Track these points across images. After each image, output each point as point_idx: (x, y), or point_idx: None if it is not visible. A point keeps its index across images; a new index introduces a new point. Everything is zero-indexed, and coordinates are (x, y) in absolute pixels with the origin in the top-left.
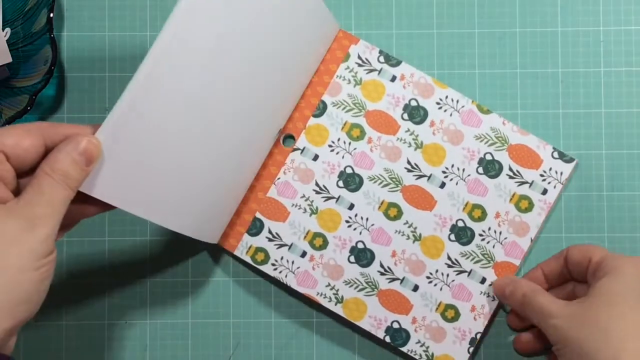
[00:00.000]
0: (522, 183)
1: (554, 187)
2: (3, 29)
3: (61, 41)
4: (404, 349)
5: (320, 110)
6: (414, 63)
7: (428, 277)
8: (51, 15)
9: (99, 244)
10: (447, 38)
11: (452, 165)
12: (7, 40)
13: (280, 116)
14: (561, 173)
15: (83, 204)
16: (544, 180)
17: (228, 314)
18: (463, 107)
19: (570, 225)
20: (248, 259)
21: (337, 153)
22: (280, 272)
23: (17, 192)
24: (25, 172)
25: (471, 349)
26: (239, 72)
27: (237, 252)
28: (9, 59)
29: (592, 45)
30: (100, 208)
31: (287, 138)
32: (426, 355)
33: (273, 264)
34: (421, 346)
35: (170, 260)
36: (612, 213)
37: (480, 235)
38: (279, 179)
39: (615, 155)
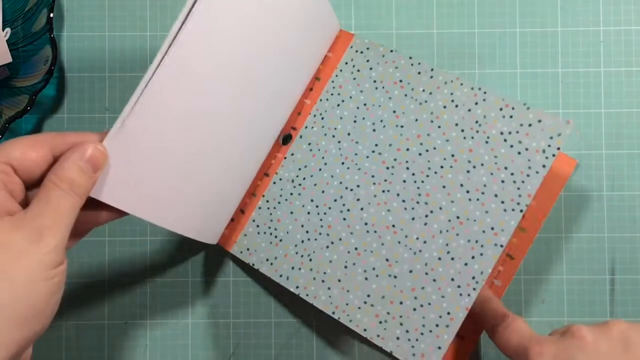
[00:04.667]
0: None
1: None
2: (3, 29)
3: (61, 41)
4: None
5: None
6: None
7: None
8: (51, 15)
9: (99, 244)
10: (447, 38)
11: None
12: (7, 40)
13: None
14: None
15: (94, 211)
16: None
17: (228, 314)
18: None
19: (570, 226)
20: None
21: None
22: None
23: (25, 204)
24: (34, 184)
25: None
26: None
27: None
28: (9, 59)
29: (592, 45)
30: (112, 214)
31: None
32: None
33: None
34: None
35: (170, 260)
36: (612, 213)
37: None
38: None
39: (615, 155)
